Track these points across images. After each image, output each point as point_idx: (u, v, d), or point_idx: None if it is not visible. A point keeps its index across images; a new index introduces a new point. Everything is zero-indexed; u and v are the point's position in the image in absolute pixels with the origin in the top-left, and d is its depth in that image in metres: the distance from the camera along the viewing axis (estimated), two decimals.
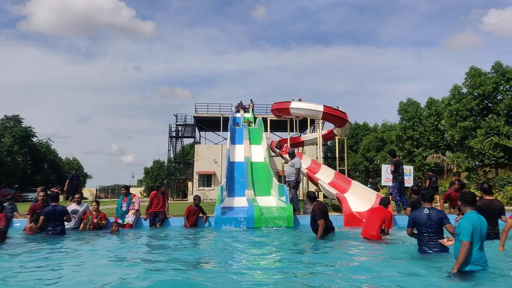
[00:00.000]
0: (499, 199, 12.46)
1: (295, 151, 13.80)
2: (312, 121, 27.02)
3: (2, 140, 40.44)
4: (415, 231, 5.61)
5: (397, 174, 11.58)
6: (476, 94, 23.63)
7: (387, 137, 35.19)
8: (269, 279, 4.40)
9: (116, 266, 5.38)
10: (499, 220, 6.75)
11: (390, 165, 12.89)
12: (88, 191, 62.50)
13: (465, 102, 23.55)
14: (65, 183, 15.83)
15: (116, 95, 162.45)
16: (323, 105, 18.24)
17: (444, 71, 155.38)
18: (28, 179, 42.95)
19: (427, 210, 5.44)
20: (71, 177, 15.91)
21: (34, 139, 47.36)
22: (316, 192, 12.05)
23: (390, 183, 13.83)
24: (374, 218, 7.59)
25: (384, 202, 8.15)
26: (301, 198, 18.48)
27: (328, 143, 35.96)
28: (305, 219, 10.44)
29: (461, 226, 4.26)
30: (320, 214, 7.62)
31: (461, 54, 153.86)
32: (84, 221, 9.54)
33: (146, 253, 6.49)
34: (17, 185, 40.38)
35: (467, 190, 10.09)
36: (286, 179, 12.03)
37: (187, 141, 47.63)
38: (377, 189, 21.29)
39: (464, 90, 24.87)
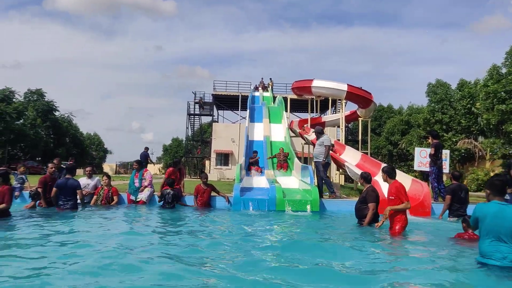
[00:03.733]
0: None
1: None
2: (334, 102, 26.01)
3: (26, 113, 40.61)
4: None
5: (437, 158, 10.36)
6: None
7: (414, 120, 33.61)
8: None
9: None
10: None
11: (423, 149, 11.79)
12: (108, 166, 63.19)
13: (505, 82, 21.79)
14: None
15: (137, 74, 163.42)
16: (347, 84, 17.40)
17: (471, 54, 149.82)
18: (51, 152, 43.39)
19: None
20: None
21: (57, 114, 47.75)
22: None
23: (424, 168, 12.75)
24: None
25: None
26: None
27: (349, 125, 34.72)
28: (332, 205, 9.53)
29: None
30: (374, 197, 6.74)
31: (489, 38, 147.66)
32: (95, 196, 9.09)
33: (150, 234, 5.68)
34: (39, 158, 40.82)
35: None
36: (314, 160, 10.91)
37: (206, 120, 47.10)
38: None
39: (504, 71, 23.03)
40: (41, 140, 41.40)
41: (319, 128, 11.72)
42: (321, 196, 9.75)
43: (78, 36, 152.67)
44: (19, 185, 10.04)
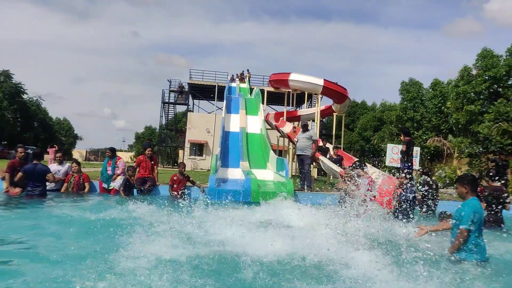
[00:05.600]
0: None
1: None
2: (310, 96, 26.17)
3: None
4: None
5: (408, 155, 10.62)
6: (486, 77, 22.61)
7: (387, 117, 34.34)
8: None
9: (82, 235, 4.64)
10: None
11: (395, 145, 12.05)
12: (78, 153, 61.42)
13: (474, 84, 22.56)
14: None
15: (112, 59, 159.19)
16: (324, 79, 17.62)
17: (445, 55, 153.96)
18: (17, 136, 41.72)
19: None
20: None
21: (25, 97, 45.93)
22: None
23: (395, 164, 13.05)
24: None
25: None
26: (294, 174, 17.76)
27: (323, 119, 35.09)
28: (306, 198, 9.62)
29: (466, 212, 4.04)
30: None
31: (461, 40, 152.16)
32: (66, 183, 8.88)
33: (119, 223, 5.43)
34: (5, 142, 39.26)
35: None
36: (298, 153, 10.98)
37: (180, 109, 46.50)
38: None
39: (474, 72, 23.83)
40: (7, 124, 39.77)
41: (305, 122, 11.98)
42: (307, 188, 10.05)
43: (50, 16, 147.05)
44: None
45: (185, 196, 8.19)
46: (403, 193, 6.68)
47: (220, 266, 3.62)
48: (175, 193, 9.05)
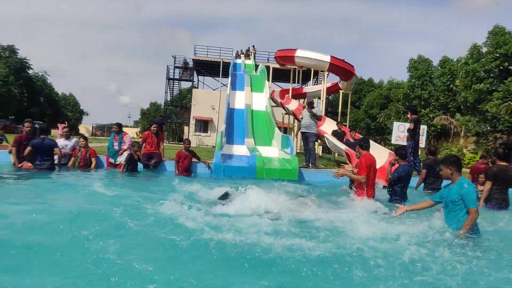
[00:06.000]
0: None
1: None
2: (316, 73, 25.87)
3: None
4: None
5: (415, 133, 10.56)
6: (497, 55, 22.14)
7: (394, 95, 33.96)
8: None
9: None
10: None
11: (401, 123, 11.95)
12: (84, 128, 61.80)
13: (484, 62, 22.13)
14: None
15: (115, 34, 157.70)
16: (330, 56, 17.34)
17: (455, 32, 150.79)
18: (24, 111, 41.97)
19: None
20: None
21: (30, 72, 45.87)
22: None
23: (401, 142, 13.02)
24: None
25: None
26: (299, 151, 17.77)
27: (329, 97, 34.76)
28: (310, 174, 9.67)
29: (467, 193, 4.07)
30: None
31: (471, 16, 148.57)
32: (73, 158, 8.91)
33: (125, 198, 5.43)
34: (12, 117, 39.52)
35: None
36: (302, 130, 10.97)
37: (185, 85, 46.30)
38: None
39: (484, 50, 23.34)
40: (14, 99, 39.90)
41: (311, 99, 11.90)
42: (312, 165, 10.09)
43: None
44: None
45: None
46: (396, 172, 6.53)
47: None
48: (180, 169, 9.10)
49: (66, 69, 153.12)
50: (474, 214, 4.02)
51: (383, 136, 34.59)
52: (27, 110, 43.14)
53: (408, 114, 11.28)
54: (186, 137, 15.67)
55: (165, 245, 3.37)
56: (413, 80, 29.43)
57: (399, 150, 7.33)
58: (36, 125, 10.81)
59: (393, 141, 13.65)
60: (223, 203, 5.28)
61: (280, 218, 4.64)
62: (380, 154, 10.86)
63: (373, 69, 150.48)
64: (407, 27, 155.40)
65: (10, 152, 8.29)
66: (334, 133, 13.19)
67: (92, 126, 64.50)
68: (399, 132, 13.04)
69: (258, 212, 4.83)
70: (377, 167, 9.55)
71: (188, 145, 9.42)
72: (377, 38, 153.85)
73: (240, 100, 17.62)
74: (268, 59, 33.46)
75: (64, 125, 12.05)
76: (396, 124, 13.42)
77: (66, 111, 62.17)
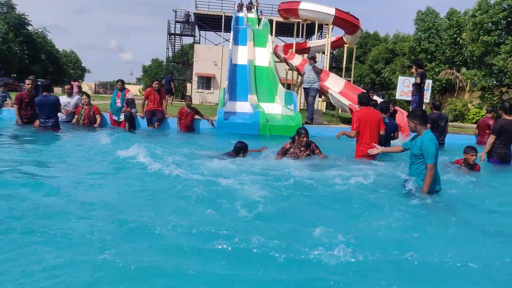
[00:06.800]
0: None
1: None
2: (320, 27, 25.19)
3: None
4: None
5: (420, 87, 10.44)
6: (505, 5, 21.35)
7: (399, 49, 33.20)
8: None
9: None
10: None
11: (406, 78, 11.79)
12: (87, 85, 61.38)
13: (492, 13, 21.39)
14: None
15: None
16: (335, 8, 16.80)
17: None
18: (26, 69, 41.51)
19: None
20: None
21: (30, 28, 44.88)
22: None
23: (405, 97, 12.94)
24: None
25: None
26: (302, 107, 17.71)
27: (334, 51, 34.07)
28: (313, 130, 9.69)
29: (426, 149, 4.08)
30: None
31: None
32: (77, 115, 8.95)
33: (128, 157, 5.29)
34: (15, 75, 39.19)
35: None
36: (304, 86, 10.90)
37: (187, 41, 45.39)
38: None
39: (492, 1, 22.48)
40: (15, 56, 39.36)
41: (313, 53, 11.72)
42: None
43: None
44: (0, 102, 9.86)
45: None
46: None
47: None
48: (182, 126, 9.19)
49: (65, 25, 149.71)
50: (430, 170, 4.06)
51: (387, 92, 34.27)
52: (28, 68, 42.68)
53: (413, 68, 11.10)
54: (188, 94, 15.69)
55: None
56: (419, 33, 28.65)
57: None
58: (39, 83, 10.81)
59: (397, 96, 13.57)
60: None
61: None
62: None
63: (379, 22, 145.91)
64: None
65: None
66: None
67: (95, 84, 63.99)
68: (404, 87, 12.93)
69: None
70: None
71: (190, 102, 9.41)
72: None
73: (242, 55, 17.33)
74: (271, 12, 32.53)
75: (77, 83, 11.97)
76: (401, 79, 13.28)
77: (68, 69, 61.48)
